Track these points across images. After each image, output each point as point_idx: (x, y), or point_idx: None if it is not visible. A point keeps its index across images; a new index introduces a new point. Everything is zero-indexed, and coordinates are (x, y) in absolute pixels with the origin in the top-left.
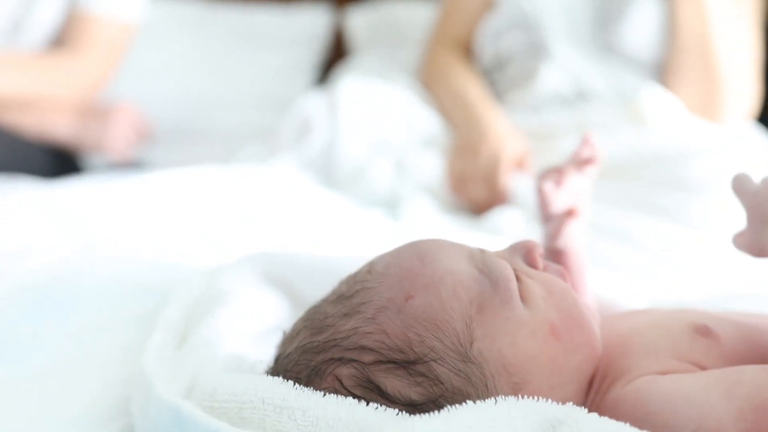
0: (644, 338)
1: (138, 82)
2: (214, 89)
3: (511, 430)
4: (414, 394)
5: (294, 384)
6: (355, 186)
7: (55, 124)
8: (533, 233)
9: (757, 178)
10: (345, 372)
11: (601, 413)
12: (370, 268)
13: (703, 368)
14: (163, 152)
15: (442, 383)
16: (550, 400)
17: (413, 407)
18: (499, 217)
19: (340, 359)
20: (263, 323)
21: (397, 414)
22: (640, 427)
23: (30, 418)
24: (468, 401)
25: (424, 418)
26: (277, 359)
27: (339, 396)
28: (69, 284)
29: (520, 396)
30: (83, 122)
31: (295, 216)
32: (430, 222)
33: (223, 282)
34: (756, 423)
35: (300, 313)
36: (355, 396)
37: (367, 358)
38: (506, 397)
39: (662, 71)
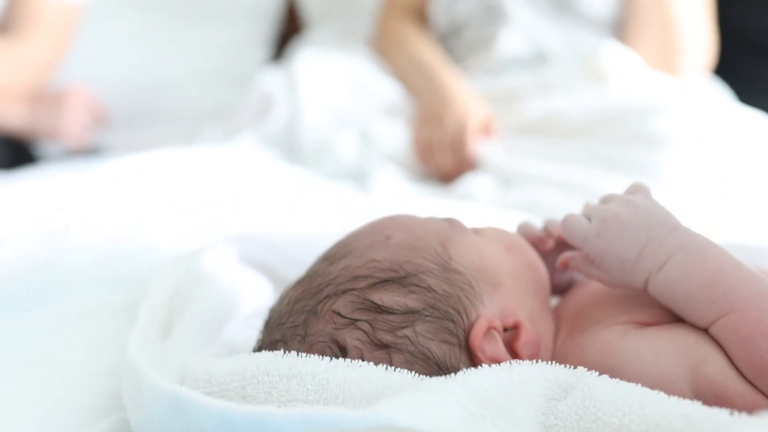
0: (620, 290)
1: (88, 64)
2: (167, 68)
3: (525, 394)
4: (410, 301)
5: (291, 335)
6: (320, 160)
7: (4, 113)
8: (504, 198)
9: (584, 214)
10: (341, 302)
11: (569, 355)
12: (347, 235)
13: (673, 312)
14: (120, 136)
15: (434, 290)
16: (561, 366)
17: (412, 314)
18: (470, 183)
19: (335, 293)
20: (248, 306)
21: (407, 374)
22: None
23: (17, 417)
24: (461, 302)
25: (439, 379)
26: (269, 320)
27: (347, 360)
28: (42, 275)
29: (534, 361)
30: (35, 109)
31: (266, 195)
32: (400, 192)
33: (204, 266)
34: (710, 404)
35: None
36: (354, 320)
37: (361, 284)
38: (520, 362)
39: (620, 29)
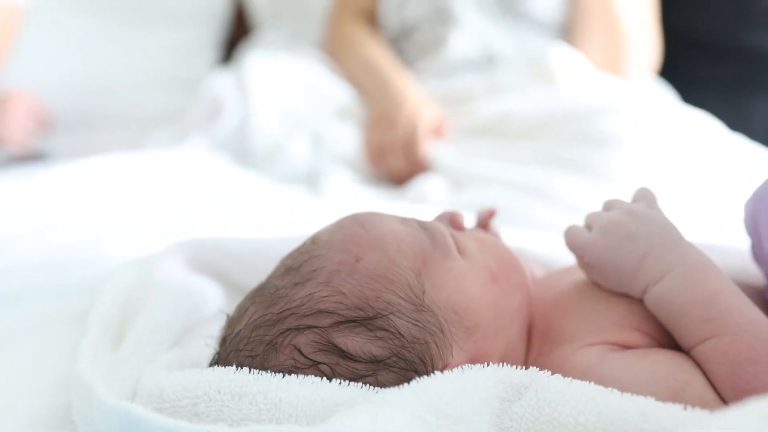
0: (584, 300)
1: (32, 68)
2: (114, 72)
3: (479, 399)
4: (376, 349)
5: (248, 365)
6: (272, 164)
7: None
8: (457, 199)
9: (585, 224)
10: (303, 340)
11: None
12: (313, 240)
13: (644, 333)
14: (66, 141)
15: (402, 335)
16: (514, 366)
17: (376, 363)
18: (422, 185)
19: (296, 328)
20: (202, 312)
21: (362, 387)
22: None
23: None
24: (428, 351)
25: (393, 391)
26: (224, 341)
27: (300, 375)
28: None
29: (486, 363)
30: None
31: (216, 200)
32: (353, 195)
33: (155, 272)
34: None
35: (236, 298)
36: (315, 362)
37: (326, 321)
38: (472, 366)
39: (567, 31)
